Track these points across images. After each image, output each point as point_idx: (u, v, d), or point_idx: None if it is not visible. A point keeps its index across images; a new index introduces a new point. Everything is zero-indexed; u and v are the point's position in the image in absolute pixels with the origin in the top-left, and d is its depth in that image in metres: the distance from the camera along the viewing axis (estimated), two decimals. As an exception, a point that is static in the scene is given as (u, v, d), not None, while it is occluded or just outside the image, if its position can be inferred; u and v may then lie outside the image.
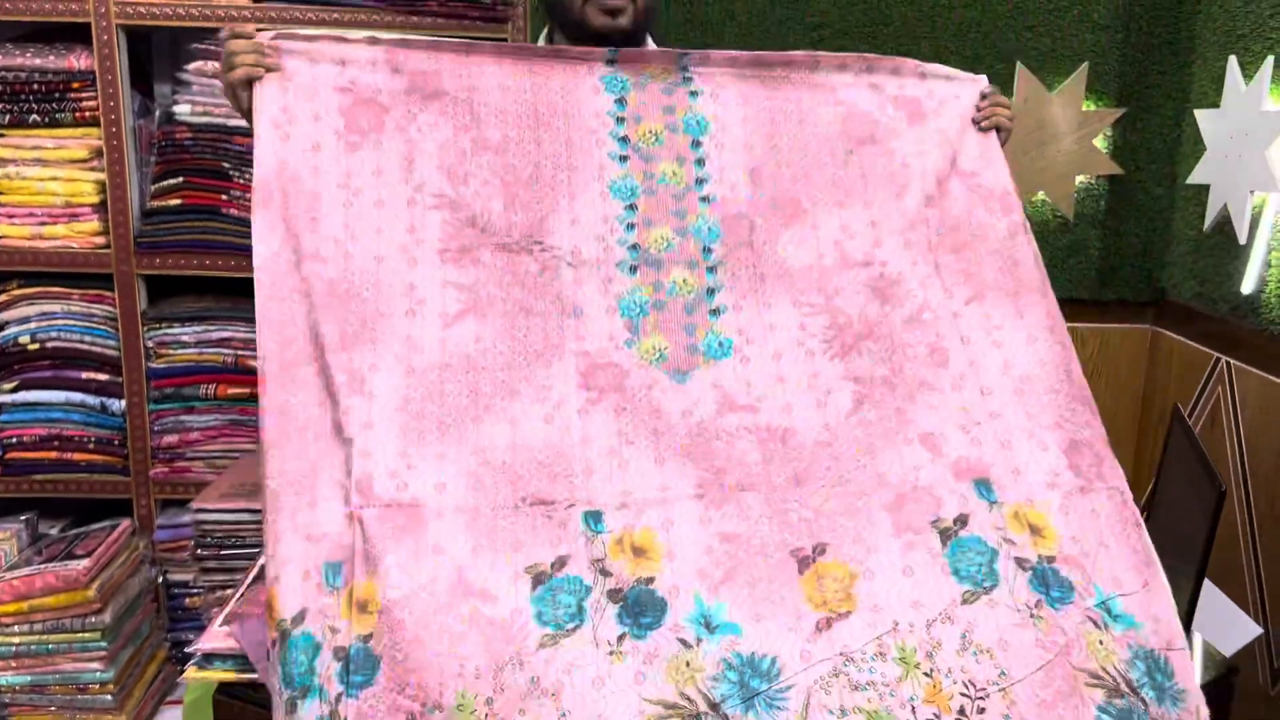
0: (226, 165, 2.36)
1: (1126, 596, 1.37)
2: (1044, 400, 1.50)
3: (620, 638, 1.29)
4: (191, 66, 2.33)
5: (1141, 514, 1.48)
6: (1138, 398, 2.61)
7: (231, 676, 1.43)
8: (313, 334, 1.45)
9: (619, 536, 1.37)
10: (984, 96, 1.72)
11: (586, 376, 1.48)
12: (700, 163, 1.61)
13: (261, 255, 1.48)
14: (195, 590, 2.29)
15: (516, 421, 1.45)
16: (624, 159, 1.60)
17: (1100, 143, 2.52)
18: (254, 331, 2.40)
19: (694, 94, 1.64)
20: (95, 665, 2.15)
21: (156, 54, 2.53)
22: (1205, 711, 1.33)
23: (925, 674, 1.26)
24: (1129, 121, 2.52)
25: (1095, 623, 1.34)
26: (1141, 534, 1.43)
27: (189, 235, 2.37)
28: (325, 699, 1.27)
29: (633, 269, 1.55)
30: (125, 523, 2.35)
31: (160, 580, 2.39)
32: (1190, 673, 1.35)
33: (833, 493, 1.41)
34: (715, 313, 1.55)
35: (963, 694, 1.25)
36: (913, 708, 1.23)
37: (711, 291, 1.56)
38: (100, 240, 2.37)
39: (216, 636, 1.44)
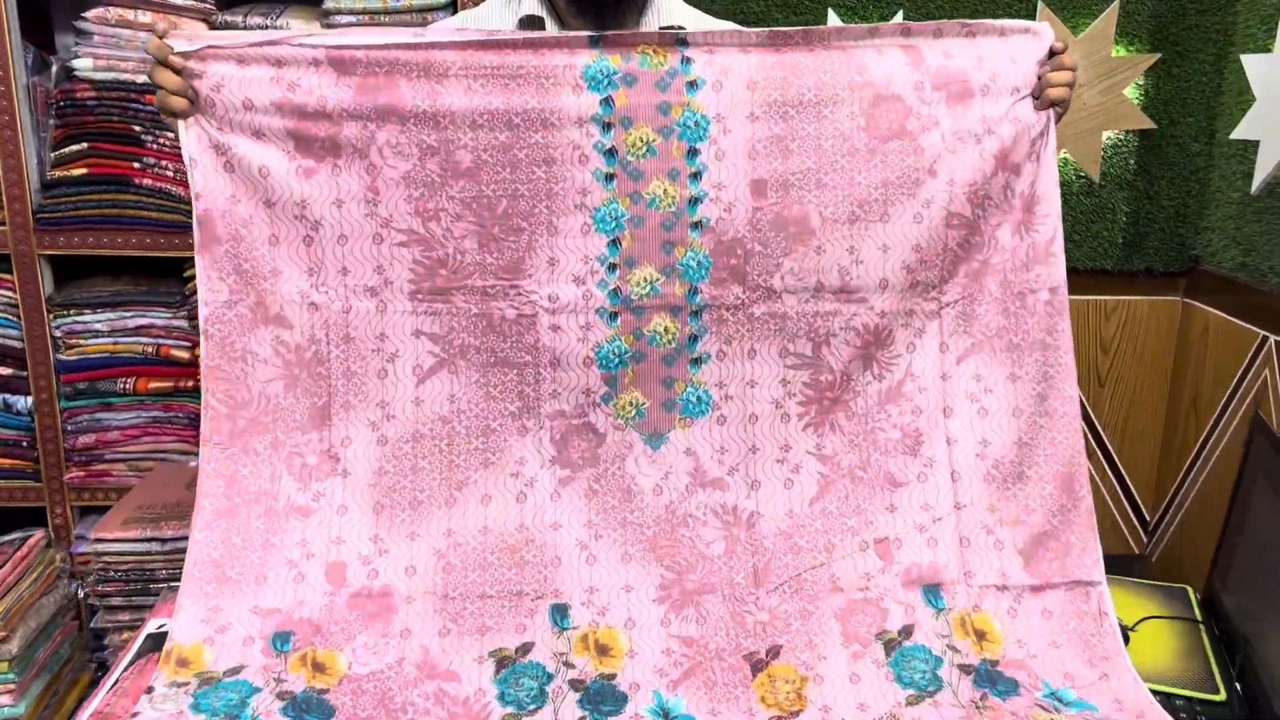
0: (138, 129, 1.97)
1: (1080, 688, 1.29)
2: (1012, 491, 1.40)
3: (581, 719, 1.25)
4: (92, 14, 1.92)
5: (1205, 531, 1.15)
6: (1165, 375, 2.25)
7: (93, 798, 1.06)
8: (272, 405, 1.35)
9: (584, 633, 1.33)
10: (1052, 54, 1.35)
11: (560, 447, 1.39)
12: (696, 177, 1.33)
13: (211, 305, 1.33)
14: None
15: (489, 498, 1.38)
16: (610, 178, 1.32)
17: (1131, 93, 2.13)
18: (176, 318, 2.07)
19: (693, 85, 1.32)
20: (3, 700, 1.81)
21: (55, 1, 2.10)
22: None
23: None
24: (1164, 69, 2.12)
25: (1045, 709, 1.25)
26: (1103, 624, 1.34)
27: (97, 209, 1.98)
28: None
29: (613, 316, 1.38)
30: (38, 534, 1.98)
31: (82, 596, 2.03)
32: None
33: (789, 595, 1.37)
34: (696, 362, 1.41)
35: None
36: None
37: (694, 339, 1.40)
38: (-6, 216, 1.96)
39: (71, 748, 1.07)
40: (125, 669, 1.23)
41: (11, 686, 1.82)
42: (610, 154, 1.33)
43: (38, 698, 1.85)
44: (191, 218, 1.97)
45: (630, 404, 1.39)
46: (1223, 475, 1.98)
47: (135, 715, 1.11)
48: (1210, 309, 2.13)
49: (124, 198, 1.97)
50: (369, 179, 1.31)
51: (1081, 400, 2.23)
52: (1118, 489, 2.29)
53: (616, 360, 1.38)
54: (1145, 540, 2.30)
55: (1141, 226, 2.18)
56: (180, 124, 1.28)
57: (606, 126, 1.32)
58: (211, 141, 1.28)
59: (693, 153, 1.34)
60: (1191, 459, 2.16)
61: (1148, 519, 2.30)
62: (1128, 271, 2.20)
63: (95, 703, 1.16)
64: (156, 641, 1.27)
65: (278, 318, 1.33)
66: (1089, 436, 2.27)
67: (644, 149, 1.33)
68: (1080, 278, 2.19)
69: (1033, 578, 1.36)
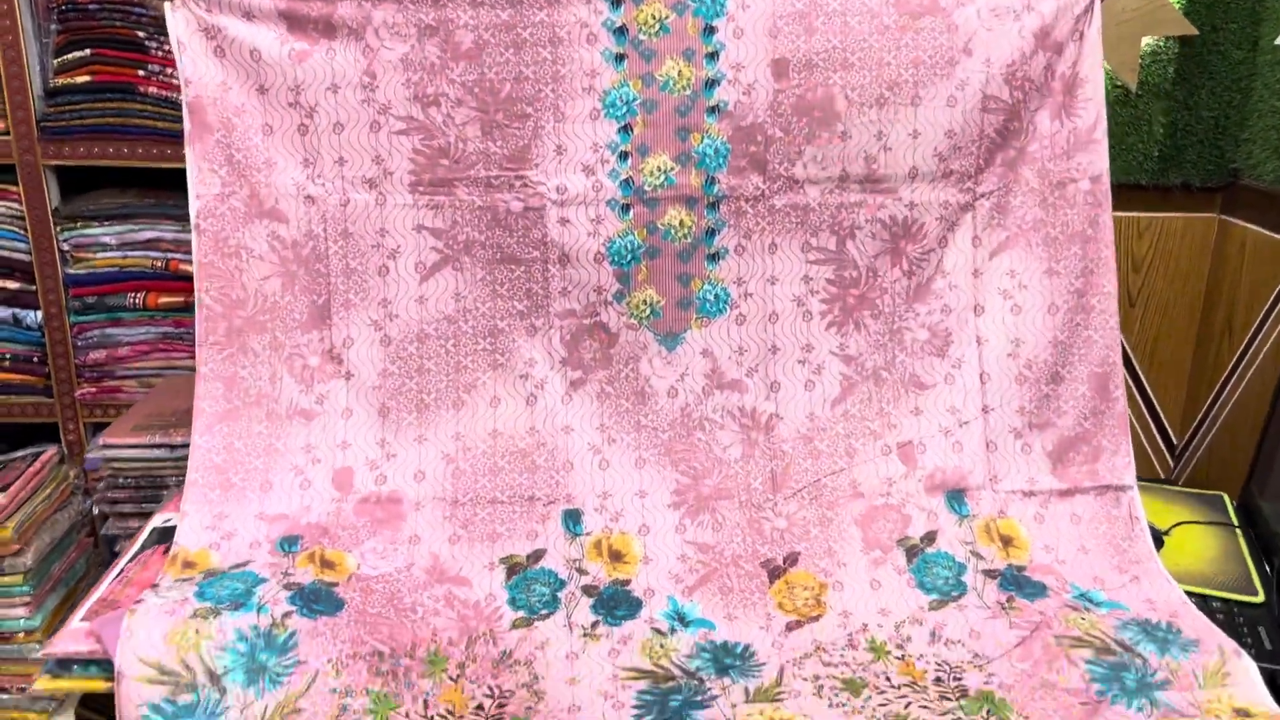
0: (141, 34, 1.90)
1: (1110, 590, 1.24)
2: (1044, 391, 1.34)
3: (594, 623, 1.22)
4: (90, -89, 1.84)
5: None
6: (1199, 295, 2.17)
7: (97, 686, 1.03)
8: (269, 304, 1.30)
9: (596, 539, 1.30)
10: None
11: (571, 348, 1.34)
12: (713, 57, 1.26)
13: (203, 199, 1.26)
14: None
15: (498, 400, 1.34)
16: (620, 59, 1.25)
17: (1172, -4, 2.03)
18: (186, 231, 2.02)
19: None
20: (19, 612, 1.80)
21: (55, -102, 2.02)
22: (1231, 645, 1.08)
23: (898, 658, 1.18)
24: (1206, -30, 2.02)
25: (1075, 609, 1.20)
26: (1134, 529, 1.28)
27: (102, 118, 1.92)
28: (264, 613, 1.12)
29: (625, 208, 1.32)
30: (50, 450, 1.97)
31: (96, 513, 2.02)
32: (1207, 629, 1.11)
33: (808, 501, 1.32)
34: (713, 258, 1.35)
35: (937, 669, 1.15)
36: (887, 677, 1.15)
37: (711, 233, 1.34)
38: (-2, 125, 1.91)
39: (74, 636, 1.04)
40: (131, 560, 1.20)
41: (27, 599, 1.80)
42: (620, 32, 1.26)
43: (53, 611, 1.84)
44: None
45: (644, 303, 1.34)
46: (1256, 396, 1.92)
47: (139, 601, 1.08)
48: (1248, 224, 2.05)
49: (129, 106, 1.91)
50: (365, 62, 1.25)
51: (1111, 320, 2.18)
52: (1145, 412, 2.23)
53: (629, 256, 1.32)
54: (1172, 465, 2.24)
55: (1179, 139, 2.09)
56: (166, 6, 1.22)
57: (616, 2, 1.25)
58: (200, 24, 1.23)
59: (709, 30, 1.26)
60: (1223, 380, 2.10)
61: (1175, 443, 2.24)
62: (1163, 186, 2.11)
63: (101, 590, 1.13)
64: (163, 535, 1.24)
65: (273, 211, 1.28)
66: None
67: (656, 27, 1.26)
68: (1114, 193, 2.11)
69: (1061, 482, 1.31)
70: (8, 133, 1.91)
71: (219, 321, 1.27)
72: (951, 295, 1.34)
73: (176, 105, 1.91)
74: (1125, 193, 2.12)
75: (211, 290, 1.27)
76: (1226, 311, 2.10)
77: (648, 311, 1.34)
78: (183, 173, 1.95)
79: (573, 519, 1.30)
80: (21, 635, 1.81)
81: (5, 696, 1.85)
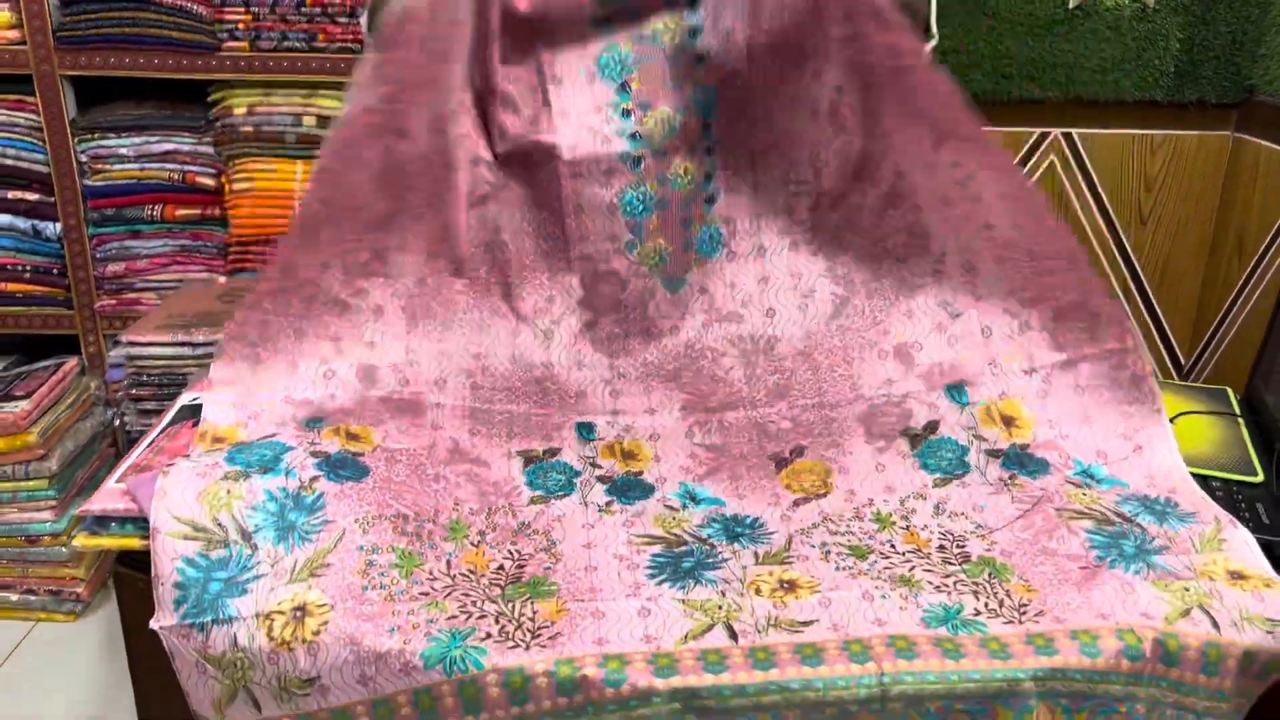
0: (155, -58, 1.91)
1: (1112, 463, 1.26)
2: (1025, 269, 1.34)
3: (608, 502, 1.28)
4: None
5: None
6: (1210, 214, 2.19)
7: (133, 544, 1.08)
8: (354, 205, 1.33)
9: (610, 443, 1.37)
10: None
11: (586, 290, 1.41)
12: (693, 4, 1.31)
13: (349, 111, 1.30)
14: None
15: (517, 330, 1.40)
16: (606, 23, 1.32)
17: (1192, -92, 2.02)
18: (202, 144, 2.05)
19: None
20: (45, 516, 1.87)
21: None
22: (1227, 516, 1.12)
23: (902, 528, 1.22)
24: (1228, -121, 2.01)
25: (1076, 485, 1.24)
26: (1141, 387, 1.28)
27: (117, 27, 1.93)
28: (293, 477, 1.16)
29: (636, 161, 1.38)
30: (71, 361, 2.02)
31: (117, 423, 2.07)
32: (1204, 502, 1.15)
33: (811, 405, 1.37)
34: (710, 200, 1.43)
35: (940, 538, 1.19)
36: (892, 545, 1.19)
37: (709, 177, 1.42)
38: (14, 35, 1.93)
39: (111, 495, 1.09)
40: (160, 432, 1.24)
41: (53, 503, 1.86)
42: None
43: (77, 518, 1.90)
44: (212, 39, 1.96)
45: (654, 251, 1.41)
46: (1263, 315, 1.94)
47: (171, 464, 1.12)
48: (1263, 141, 2.06)
49: (143, 16, 1.92)
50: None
51: (1121, 239, 2.20)
52: (1154, 331, 2.25)
53: (641, 207, 1.39)
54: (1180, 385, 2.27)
55: (1195, 54, 2.09)
56: None
57: None
58: None
59: None
60: (1232, 299, 2.12)
61: (1183, 363, 2.27)
62: (1178, 103, 2.12)
63: (133, 457, 1.18)
64: (192, 411, 1.29)
65: (403, 132, 1.33)
66: (1127, 277, 2.23)
67: None
68: (1128, 110, 2.12)
69: (1061, 353, 1.33)
70: (24, 42, 1.92)
71: (310, 217, 1.33)
72: (918, 194, 1.38)
73: (191, 15, 1.94)
74: (1140, 109, 2.12)
75: (317, 190, 1.33)
76: (1238, 230, 2.12)
77: (656, 259, 1.41)
78: (198, 85, 1.99)
79: (586, 429, 1.38)
80: (47, 539, 1.87)
81: (33, 598, 1.92)
